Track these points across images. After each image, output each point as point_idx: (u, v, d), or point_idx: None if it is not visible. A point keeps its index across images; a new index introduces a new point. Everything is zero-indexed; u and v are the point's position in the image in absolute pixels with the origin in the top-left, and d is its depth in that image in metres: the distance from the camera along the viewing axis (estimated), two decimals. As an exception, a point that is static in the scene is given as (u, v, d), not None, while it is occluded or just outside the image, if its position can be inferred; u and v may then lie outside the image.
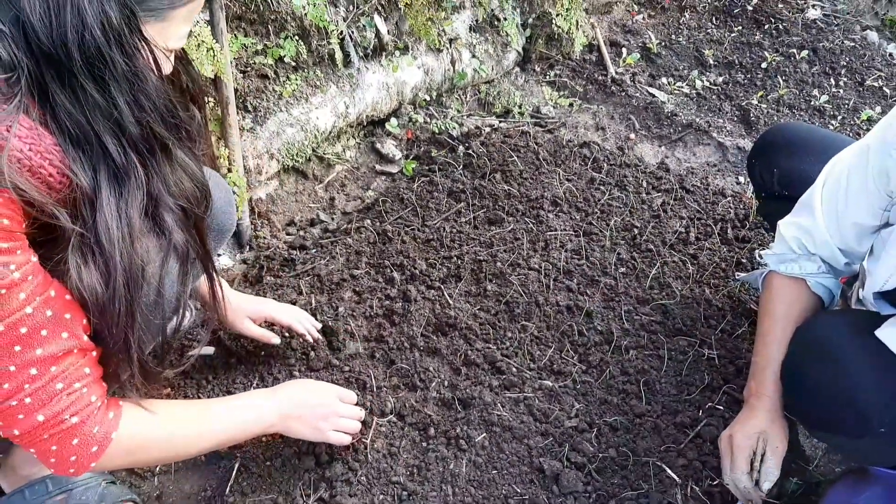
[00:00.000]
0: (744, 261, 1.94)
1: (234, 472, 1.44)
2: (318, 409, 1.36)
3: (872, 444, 1.23)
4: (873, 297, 1.21)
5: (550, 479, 1.45)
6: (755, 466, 1.33)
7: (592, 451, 1.50)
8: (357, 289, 1.84)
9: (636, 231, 2.02)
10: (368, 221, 2.08)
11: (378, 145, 2.40)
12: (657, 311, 1.80)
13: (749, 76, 2.87)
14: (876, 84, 2.93)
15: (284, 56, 2.03)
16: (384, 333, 1.71)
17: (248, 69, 2.02)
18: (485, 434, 1.51)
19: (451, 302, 1.79)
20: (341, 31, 2.12)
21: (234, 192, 1.85)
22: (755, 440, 1.33)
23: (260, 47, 2.00)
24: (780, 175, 1.62)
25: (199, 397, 1.59)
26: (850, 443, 1.27)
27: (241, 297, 1.61)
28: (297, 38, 2.05)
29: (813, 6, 3.39)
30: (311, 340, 1.65)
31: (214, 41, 1.79)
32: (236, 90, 1.98)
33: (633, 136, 2.54)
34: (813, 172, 1.39)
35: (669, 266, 1.92)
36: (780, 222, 1.39)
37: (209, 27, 1.80)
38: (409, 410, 1.55)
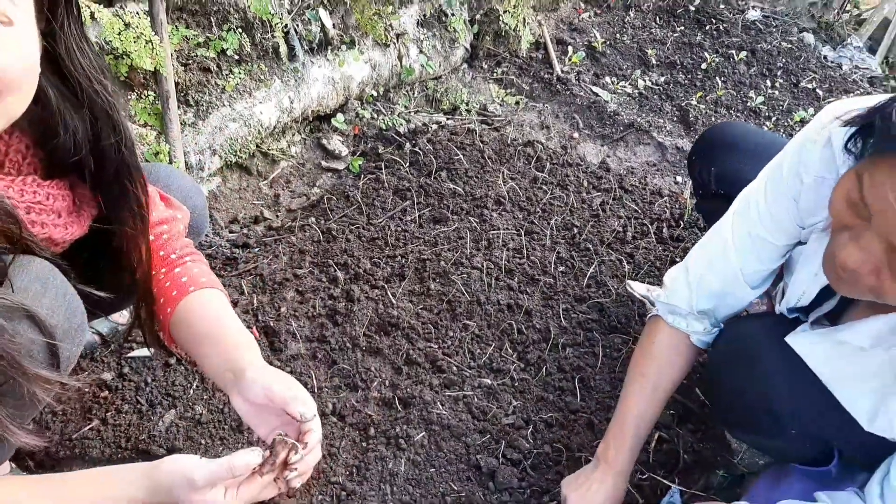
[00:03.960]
0: (677, 259, 2.01)
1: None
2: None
3: (786, 444, 1.30)
4: (788, 312, 1.28)
5: (487, 475, 1.49)
6: None
7: (528, 447, 1.54)
8: (300, 288, 1.85)
9: (576, 230, 2.07)
10: (313, 219, 2.08)
11: (324, 141, 2.39)
12: (594, 309, 1.86)
13: (689, 76, 2.95)
14: (810, 86, 3.05)
15: (227, 49, 2.01)
16: (326, 334, 1.73)
17: (190, 62, 1.99)
18: (424, 433, 1.54)
19: (394, 301, 1.81)
20: (286, 25, 2.10)
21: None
22: None
23: (202, 40, 1.97)
24: (718, 174, 1.67)
25: (137, 400, 1.58)
26: (766, 442, 1.35)
27: (266, 377, 1.09)
28: (240, 30, 2.03)
29: (753, 7, 3.49)
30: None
31: (154, 34, 1.76)
32: (177, 83, 1.95)
33: (576, 134, 2.58)
34: (748, 173, 1.39)
35: (606, 265, 1.98)
36: (671, 272, 1.39)
37: (148, 19, 1.77)
38: (349, 411, 1.57)
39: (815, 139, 1.12)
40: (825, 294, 1.21)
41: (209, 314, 1.15)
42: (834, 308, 1.22)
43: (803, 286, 1.21)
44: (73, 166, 0.97)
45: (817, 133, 1.12)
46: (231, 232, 2.12)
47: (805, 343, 1.18)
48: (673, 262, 2.01)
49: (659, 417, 1.38)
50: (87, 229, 1.02)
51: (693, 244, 2.05)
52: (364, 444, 1.52)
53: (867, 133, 0.95)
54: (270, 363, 1.62)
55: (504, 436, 1.56)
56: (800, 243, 1.24)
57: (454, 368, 1.67)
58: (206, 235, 2.05)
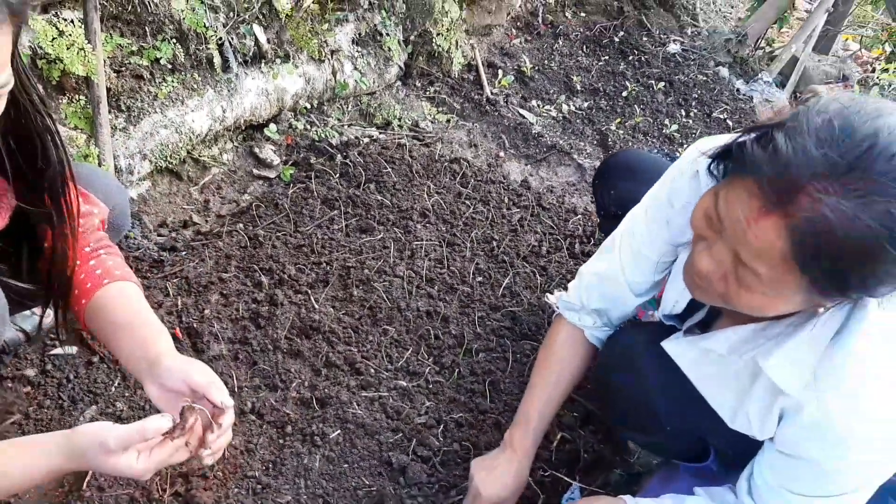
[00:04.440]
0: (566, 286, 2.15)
1: (89, 469, 1.48)
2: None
3: (666, 441, 1.44)
4: (664, 319, 1.42)
5: (398, 471, 1.58)
6: None
7: (438, 445, 1.64)
8: (224, 292, 1.90)
9: (494, 243, 2.19)
10: (241, 225, 2.13)
11: (256, 150, 2.45)
12: (507, 317, 1.97)
13: (611, 103, 3.13)
14: (722, 116, 3.28)
15: (161, 58, 2.06)
16: (249, 336, 1.79)
17: (123, 69, 2.03)
18: (339, 431, 1.62)
19: (316, 306, 1.89)
20: (220, 37, 2.16)
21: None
22: (496, 501, 1.42)
23: (136, 48, 2.02)
24: (616, 196, 1.82)
25: (59, 396, 1.61)
26: (648, 439, 1.49)
27: (183, 364, 1.15)
28: (174, 41, 2.08)
29: (673, 41, 3.73)
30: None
31: (86, 41, 1.80)
32: (109, 89, 1.98)
33: (502, 153, 2.72)
34: (642, 195, 1.57)
35: (521, 276, 2.10)
36: (580, 269, 1.54)
37: (82, 27, 1.81)
38: (268, 409, 1.64)
39: (685, 170, 1.27)
40: (697, 305, 1.36)
41: (123, 305, 1.20)
42: (704, 318, 1.37)
43: (675, 296, 1.35)
44: None
45: (687, 165, 1.27)
46: (159, 235, 2.15)
47: (676, 348, 1.32)
48: (583, 276, 2.15)
49: (560, 407, 1.50)
50: (8, 220, 1.07)
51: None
52: (281, 441, 1.59)
53: (726, 159, 1.09)
54: (192, 363, 1.67)
55: (416, 434, 1.65)
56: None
57: (371, 371, 1.76)
58: (134, 238, 2.09)
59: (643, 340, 1.40)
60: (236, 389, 1.66)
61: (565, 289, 2.07)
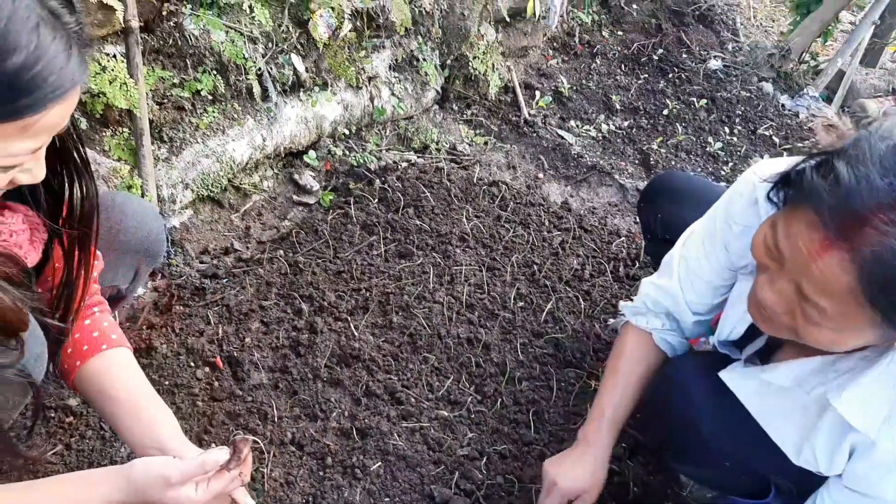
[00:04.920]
0: (632, 297, 2.09)
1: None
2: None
3: (724, 476, 1.37)
4: (720, 345, 1.36)
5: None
6: None
7: (481, 478, 1.59)
8: (265, 319, 1.90)
9: (535, 267, 2.15)
10: (281, 252, 2.13)
11: (296, 176, 2.46)
12: (550, 344, 1.92)
13: (652, 122, 3.07)
14: (767, 133, 3.19)
15: (202, 90, 2.08)
16: (289, 364, 1.77)
17: (165, 101, 2.06)
18: (380, 463, 1.58)
19: (356, 334, 1.87)
20: (259, 68, 2.18)
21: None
22: (574, 494, 1.40)
23: (177, 80, 2.05)
24: (663, 220, 1.77)
25: (101, 427, 1.61)
26: (702, 472, 1.42)
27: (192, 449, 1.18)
28: (214, 72, 2.11)
29: (714, 57, 3.66)
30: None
31: (129, 75, 1.83)
32: (152, 121, 2.01)
33: (541, 175, 2.68)
34: (689, 219, 1.53)
35: (564, 301, 2.05)
36: (643, 280, 1.52)
37: (125, 61, 1.84)
38: (308, 440, 1.61)
39: (743, 193, 1.22)
40: (755, 331, 1.29)
41: (123, 383, 1.22)
42: (764, 346, 1.30)
43: (733, 322, 1.29)
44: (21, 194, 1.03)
45: (745, 187, 1.22)
46: (201, 262, 2.17)
47: (735, 378, 1.26)
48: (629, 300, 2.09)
49: (632, 412, 1.46)
50: (41, 255, 1.08)
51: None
52: (321, 473, 1.56)
53: (785, 186, 1.04)
54: (233, 393, 1.67)
55: (458, 466, 1.60)
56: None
57: (412, 400, 1.73)
58: (177, 266, 2.10)
59: (698, 370, 1.34)
60: (276, 420, 1.65)
61: (613, 317, 2.01)
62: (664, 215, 1.76)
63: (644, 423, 1.60)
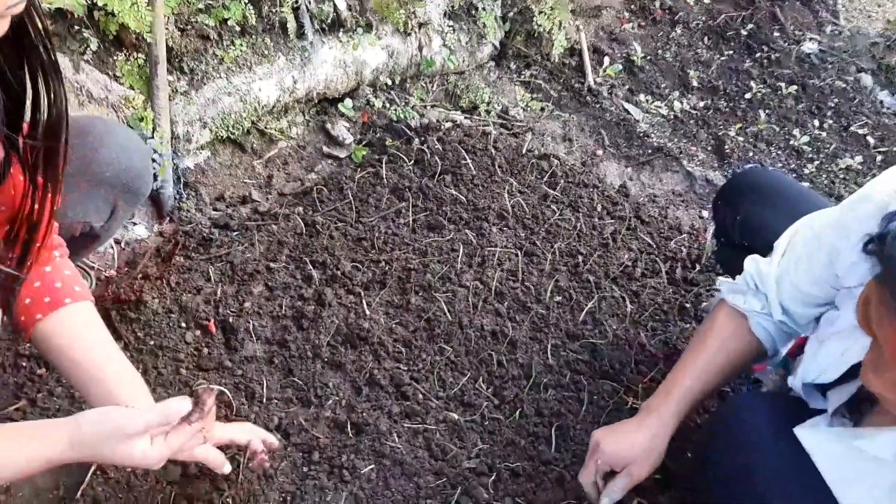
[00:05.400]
0: (688, 305, 1.83)
1: (90, 474, 1.31)
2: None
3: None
4: (803, 387, 1.11)
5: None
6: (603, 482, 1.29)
7: (487, 498, 1.39)
8: (270, 283, 1.70)
9: (580, 258, 1.89)
10: (300, 209, 1.93)
11: (328, 126, 2.24)
12: (586, 349, 1.68)
13: (731, 105, 2.74)
14: (861, 131, 2.82)
15: (229, 19, 1.86)
16: (288, 338, 1.58)
17: (189, 28, 1.85)
18: (373, 465, 1.39)
19: (367, 312, 1.66)
20: (296, 0, 1.95)
21: (156, 157, 1.71)
22: (619, 462, 1.26)
23: (203, 6, 1.83)
24: (743, 221, 1.51)
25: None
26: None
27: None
28: (245, 1, 1.88)
29: (810, 40, 3.26)
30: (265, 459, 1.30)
31: (144, -6, 1.62)
32: (172, 49, 1.81)
33: (600, 151, 2.40)
34: (776, 225, 1.31)
35: (608, 301, 1.80)
36: (746, 260, 1.30)
37: (142, -23, 1.63)
38: (296, 429, 1.42)
39: (874, 198, 0.96)
40: (849, 375, 1.04)
41: (87, 343, 1.12)
42: (854, 396, 1.05)
43: (826, 362, 1.04)
44: None
45: (877, 193, 0.97)
46: (215, 210, 1.98)
47: (815, 439, 1.01)
48: (682, 308, 1.83)
49: (711, 395, 1.36)
50: None
51: (707, 291, 1.87)
52: (305, 470, 1.37)
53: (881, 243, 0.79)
54: (222, 363, 1.49)
55: (462, 481, 1.40)
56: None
57: (419, 397, 1.52)
58: (188, 211, 1.92)
59: (766, 416, 1.10)
60: (265, 400, 1.46)
61: (661, 326, 1.76)
62: (746, 217, 1.50)
63: (690, 464, 1.36)
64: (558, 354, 1.66)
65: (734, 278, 1.34)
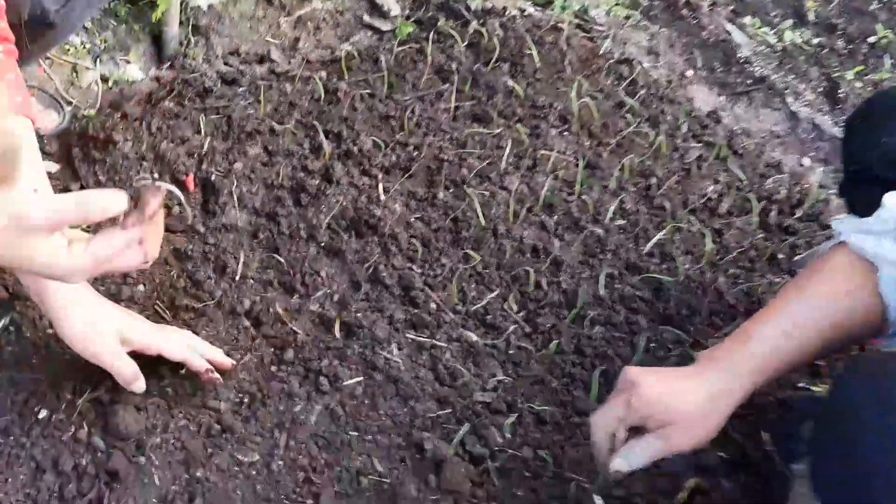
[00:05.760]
0: (780, 255, 1.46)
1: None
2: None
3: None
4: None
5: (429, 464, 1.03)
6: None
7: (501, 443, 1.07)
8: (271, 147, 1.38)
9: (654, 180, 1.53)
10: (323, 74, 1.59)
11: (374, -7, 1.88)
12: (648, 285, 1.34)
13: (851, 47, 2.30)
14: None
15: None
16: (280, 212, 1.26)
17: None
18: (361, 378, 1.08)
19: (383, 198, 1.33)
20: None
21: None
22: (658, 415, 0.87)
23: None
24: (886, 151, 1.13)
25: None
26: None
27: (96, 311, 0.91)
28: None
29: (950, -8, 2.77)
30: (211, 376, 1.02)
31: None
32: None
33: (690, 72, 2.01)
34: None
35: (682, 235, 1.44)
36: (889, 192, 0.92)
37: None
38: (270, 319, 1.12)
39: None
40: None
41: None
42: None
43: None
44: None
45: None
46: (225, 64, 1.66)
47: None
48: (773, 258, 1.46)
49: (812, 357, 0.94)
50: None
51: (809, 242, 1.50)
52: (273, 369, 1.07)
53: None
54: (193, 227, 1.18)
55: (471, 416, 1.08)
56: None
57: (432, 306, 1.19)
58: (193, 59, 1.61)
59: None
60: (236, 277, 1.15)
61: (747, 275, 1.41)
62: (889, 146, 1.12)
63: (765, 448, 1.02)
64: (612, 286, 1.32)
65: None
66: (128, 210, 0.66)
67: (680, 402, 0.87)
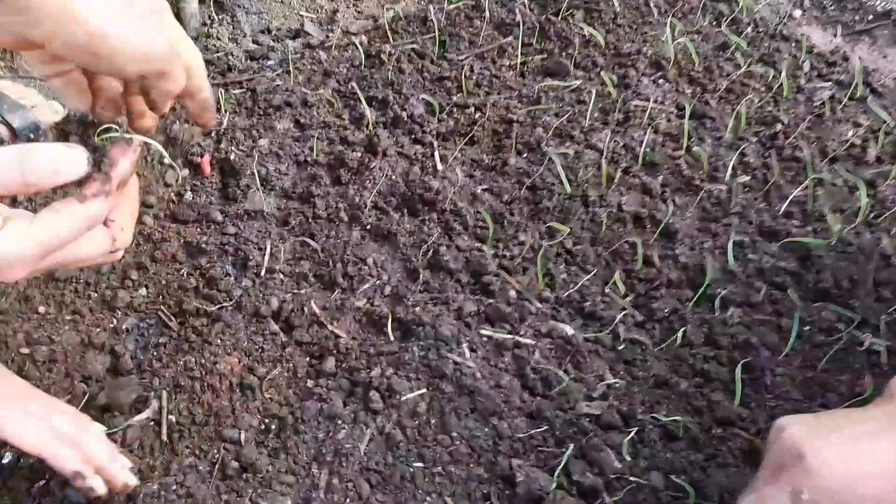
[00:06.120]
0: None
1: None
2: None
3: None
4: None
5: (523, 503, 0.74)
6: None
7: (619, 469, 0.78)
8: (302, 119, 1.15)
9: (779, 127, 1.21)
10: (364, 39, 1.36)
11: (419, -44, 1.65)
12: (792, 253, 1.02)
13: None
14: None
15: None
16: (316, 191, 1.02)
17: None
18: (423, 391, 0.81)
19: (440, 167, 1.07)
20: None
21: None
22: (816, 484, 0.57)
23: None
24: None
25: None
26: None
27: None
28: None
29: None
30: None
31: None
32: None
33: (797, 13, 1.68)
34: None
35: (826, 189, 1.12)
36: None
37: None
38: (304, 320, 0.87)
39: None
40: None
41: None
42: None
43: None
44: None
45: None
46: (255, 42, 1.46)
47: None
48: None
49: None
50: None
51: None
52: (309, 384, 0.82)
53: None
54: (208, 215, 0.95)
55: (577, 435, 0.80)
56: None
57: (511, 294, 0.92)
58: (218, 38, 1.41)
59: None
60: (262, 272, 0.91)
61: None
62: None
63: None
64: (745, 258, 1.01)
65: None
66: (88, 175, 0.45)
67: (875, 480, 0.56)
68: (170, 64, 0.52)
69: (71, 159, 0.43)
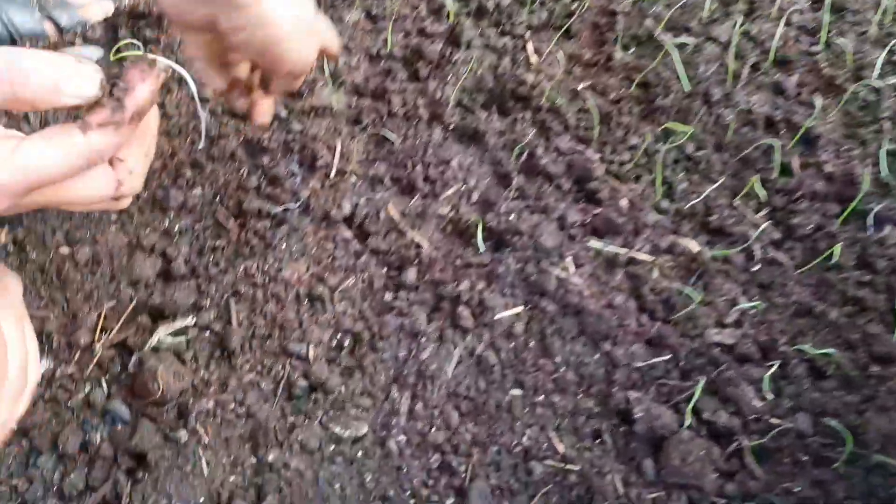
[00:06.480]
0: None
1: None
2: None
3: None
4: None
5: (643, 443, 0.62)
6: None
7: (759, 407, 0.64)
8: (374, 11, 1.01)
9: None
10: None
11: None
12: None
13: None
14: None
15: None
16: (391, 87, 0.89)
17: None
18: (520, 308, 0.68)
19: (533, 61, 0.92)
20: None
21: None
22: None
23: None
24: None
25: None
26: None
27: None
28: None
29: None
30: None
31: None
32: None
33: None
34: None
35: None
36: None
37: None
38: (381, 226, 0.75)
39: None
40: None
41: None
42: None
43: None
44: None
45: None
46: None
47: None
48: None
49: None
50: None
51: None
52: (388, 297, 0.70)
53: None
54: (277, 114, 0.84)
55: (707, 367, 0.66)
56: None
57: (622, 204, 0.77)
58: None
59: None
60: (331, 175, 0.79)
61: None
62: None
63: None
64: (905, 167, 0.84)
65: None
66: (99, 97, 0.35)
67: None
68: (310, 67, 0.57)
69: (75, 77, 0.34)
